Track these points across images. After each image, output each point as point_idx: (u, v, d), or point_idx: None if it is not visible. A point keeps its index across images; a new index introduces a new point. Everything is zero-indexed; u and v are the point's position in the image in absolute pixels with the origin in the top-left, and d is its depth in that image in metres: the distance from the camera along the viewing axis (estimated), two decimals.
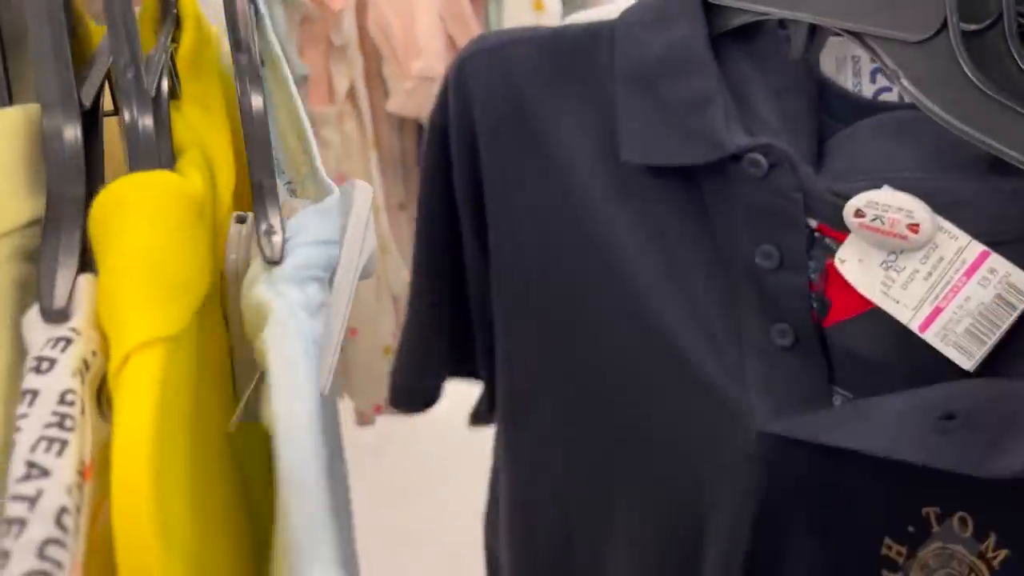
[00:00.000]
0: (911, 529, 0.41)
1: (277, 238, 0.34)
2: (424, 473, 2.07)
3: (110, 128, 0.37)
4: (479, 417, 0.66)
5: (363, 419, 1.20)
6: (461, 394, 2.19)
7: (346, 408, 1.25)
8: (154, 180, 0.31)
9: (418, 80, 1.01)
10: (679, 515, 0.46)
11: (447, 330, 0.59)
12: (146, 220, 0.29)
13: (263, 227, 0.34)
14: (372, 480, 2.00)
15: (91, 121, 0.34)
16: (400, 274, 1.08)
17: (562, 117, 0.48)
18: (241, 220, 0.38)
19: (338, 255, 0.35)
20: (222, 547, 0.33)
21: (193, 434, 0.32)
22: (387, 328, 1.09)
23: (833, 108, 0.44)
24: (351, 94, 1.05)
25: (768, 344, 0.42)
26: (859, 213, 0.39)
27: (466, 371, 0.63)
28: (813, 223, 0.41)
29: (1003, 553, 0.38)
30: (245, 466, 0.40)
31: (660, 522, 0.48)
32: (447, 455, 2.15)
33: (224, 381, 0.38)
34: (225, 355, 0.38)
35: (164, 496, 0.26)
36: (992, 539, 0.39)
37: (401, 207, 1.12)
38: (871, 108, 0.43)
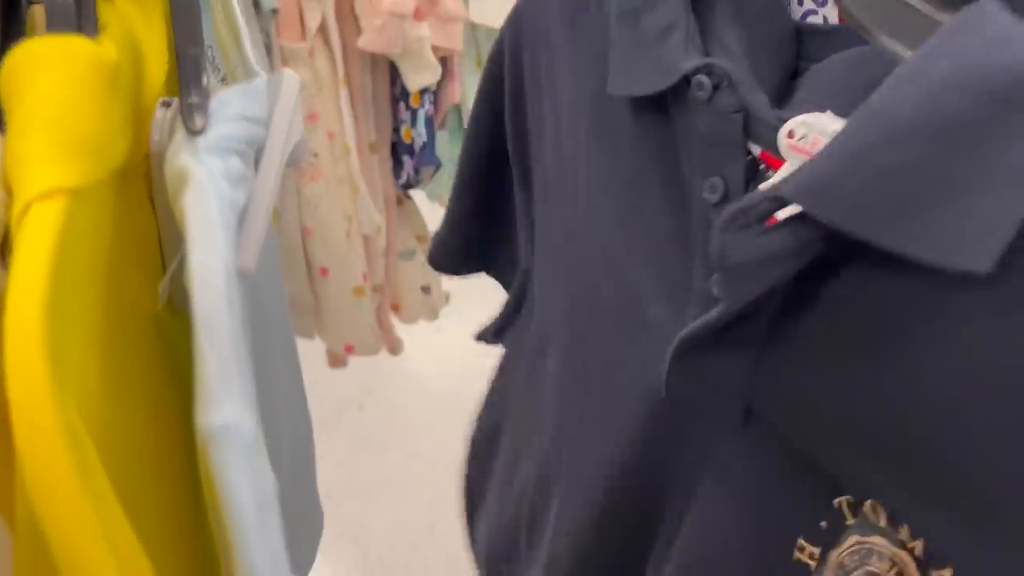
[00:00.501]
0: (824, 525, 0.38)
1: (201, 110, 0.34)
2: (404, 426, 2.09)
3: None
4: (488, 335, 0.64)
5: (335, 360, 1.20)
6: (438, 347, 2.22)
7: (319, 350, 1.26)
8: (64, 42, 0.31)
9: (388, 16, 1.00)
10: (611, 462, 0.46)
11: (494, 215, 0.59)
12: (52, 78, 0.29)
13: (187, 99, 0.34)
14: (352, 432, 2.02)
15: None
16: (371, 215, 1.08)
17: (572, 55, 0.48)
18: (167, 104, 0.38)
19: (263, 135, 0.35)
20: (142, 412, 0.34)
21: (107, 299, 0.32)
22: (358, 268, 1.09)
23: (812, 50, 0.43)
24: (323, 30, 1.04)
25: (707, 292, 0.40)
26: (791, 134, 0.37)
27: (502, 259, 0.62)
28: (756, 150, 0.40)
29: (922, 543, 0.35)
30: (182, 356, 0.40)
31: (597, 469, 0.47)
32: (426, 409, 2.17)
33: (152, 264, 0.39)
34: (153, 238, 0.38)
35: (61, 340, 0.26)
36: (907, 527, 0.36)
37: (372, 149, 1.11)
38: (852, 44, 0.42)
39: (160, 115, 0.37)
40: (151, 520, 0.32)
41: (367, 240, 1.11)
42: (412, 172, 1.11)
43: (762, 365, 0.39)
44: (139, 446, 0.34)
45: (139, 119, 0.37)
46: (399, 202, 1.18)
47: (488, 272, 0.64)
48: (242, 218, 0.34)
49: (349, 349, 1.14)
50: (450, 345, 2.28)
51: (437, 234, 0.64)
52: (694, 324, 0.38)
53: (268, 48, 1.02)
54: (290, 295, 1.09)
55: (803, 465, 0.37)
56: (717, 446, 0.40)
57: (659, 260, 0.43)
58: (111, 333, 0.32)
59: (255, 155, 0.36)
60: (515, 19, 0.52)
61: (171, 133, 0.37)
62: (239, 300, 0.31)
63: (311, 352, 1.44)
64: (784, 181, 0.34)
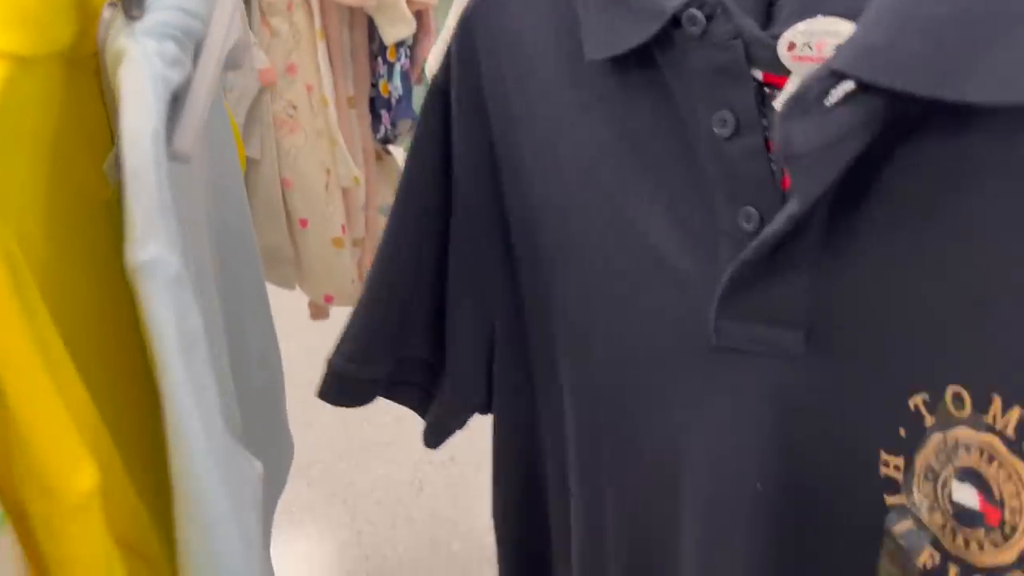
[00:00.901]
0: (903, 432, 0.36)
1: (140, 1, 0.36)
2: None
3: None
4: (435, 433, 0.62)
5: (317, 312, 1.23)
6: None
7: (301, 303, 1.29)
8: None
9: None
10: (658, 426, 0.45)
11: (423, 304, 0.56)
12: None
13: None
14: None
15: None
16: (349, 167, 1.10)
17: (544, 38, 0.47)
18: (113, 5, 0.40)
19: (200, 28, 0.38)
20: (86, 288, 0.37)
21: (53, 176, 0.35)
22: (336, 220, 1.12)
23: None
24: None
25: (737, 230, 0.38)
26: (791, 46, 0.36)
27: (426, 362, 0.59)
28: (758, 74, 0.38)
29: (1016, 413, 0.33)
30: None
31: (641, 434, 0.46)
32: None
33: (103, 157, 0.41)
34: (105, 133, 0.41)
35: None
36: (998, 401, 0.33)
37: (350, 103, 1.14)
38: None
39: (107, 14, 0.40)
40: (96, 378, 0.35)
41: (346, 193, 1.14)
42: (389, 126, 1.14)
43: (821, 279, 0.37)
44: (84, 317, 0.37)
45: (87, 17, 0.39)
46: (378, 157, 1.21)
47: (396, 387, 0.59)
48: (180, 102, 0.37)
49: (329, 299, 1.17)
50: None
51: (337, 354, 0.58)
52: (745, 253, 0.37)
53: (247, 1, 1.05)
54: (271, 246, 1.12)
55: (870, 374, 0.36)
56: (778, 381, 0.39)
57: (678, 214, 0.42)
58: (57, 207, 0.35)
59: (194, 49, 0.39)
60: (465, 30, 0.50)
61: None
62: (167, 165, 0.34)
63: (301, 322, 1.47)
64: (835, 57, 0.33)
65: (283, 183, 1.10)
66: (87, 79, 0.40)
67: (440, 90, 0.51)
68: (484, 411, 0.60)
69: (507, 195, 0.50)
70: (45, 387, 0.28)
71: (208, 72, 0.38)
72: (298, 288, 1.20)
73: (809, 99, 0.33)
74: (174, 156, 0.36)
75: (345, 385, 0.59)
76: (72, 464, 0.28)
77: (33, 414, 0.27)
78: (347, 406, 0.60)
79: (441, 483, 1.87)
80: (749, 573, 0.41)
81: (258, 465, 0.38)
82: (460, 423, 0.61)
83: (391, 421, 2.01)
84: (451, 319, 0.55)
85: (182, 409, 0.31)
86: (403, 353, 0.58)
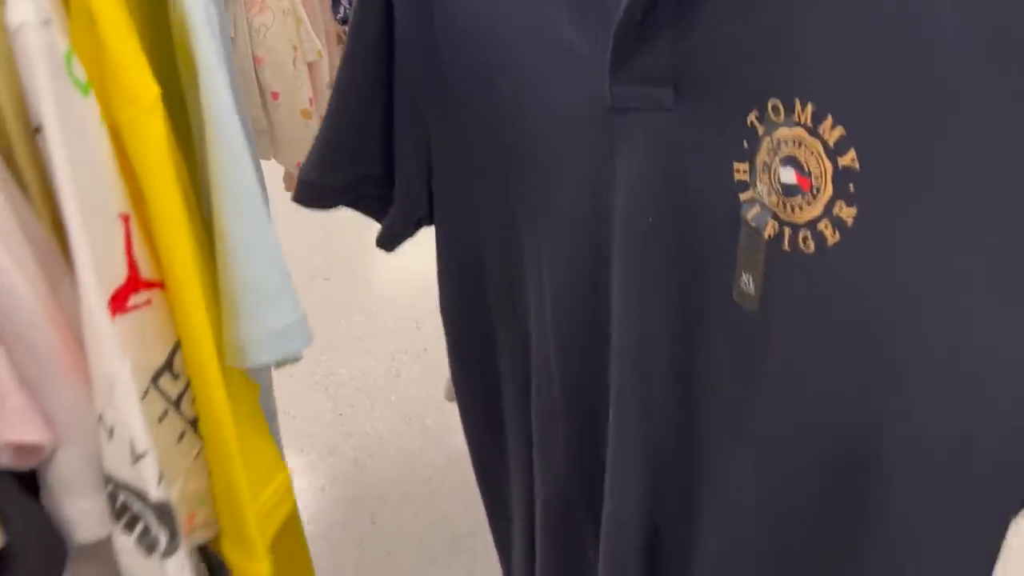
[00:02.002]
0: (746, 144, 0.45)
1: None
2: (367, 292, 2.26)
3: None
4: (387, 239, 0.72)
5: (291, 183, 1.36)
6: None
7: (276, 176, 1.42)
8: None
9: None
10: (575, 183, 0.55)
11: (375, 121, 0.65)
12: None
13: None
14: (320, 298, 2.19)
15: None
16: (313, 42, 1.23)
17: None
18: None
19: None
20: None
21: None
22: (304, 93, 1.25)
23: None
24: None
25: (616, 12, 0.45)
26: None
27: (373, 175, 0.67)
28: None
29: (810, 108, 0.41)
30: None
31: (562, 194, 0.56)
32: (387, 278, 2.34)
33: None
34: None
35: None
36: (799, 104, 0.42)
37: None
38: None
39: None
40: None
41: (312, 68, 1.26)
42: (347, 5, 1.26)
43: (679, 40, 0.46)
44: None
45: None
46: (339, 40, 1.34)
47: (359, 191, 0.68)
48: None
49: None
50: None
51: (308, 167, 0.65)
52: (616, 25, 0.46)
53: None
54: (249, 118, 1.24)
55: (721, 109, 0.45)
56: (659, 128, 0.48)
57: (579, 10, 0.50)
58: None
59: None
60: None
61: None
62: None
63: (276, 194, 1.59)
64: None
65: (255, 60, 1.22)
66: None
67: None
68: (428, 222, 0.70)
69: (436, 19, 0.60)
70: (120, 20, 0.42)
71: None
72: (273, 160, 1.34)
73: None
74: None
75: (311, 191, 0.68)
76: (143, 80, 0.42)
77: (117, 44, 0.41)
78: (314, 208, 0.70)
79: (416, 371, 2.01)
80: (656, 284, 0.54)
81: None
82: (409, 232, 0.72)
83: (365, 319, 2.15)
84: (397, 140, 0.65)
85: (211, 67, 0.45)
86: (362, 170, 0.67)
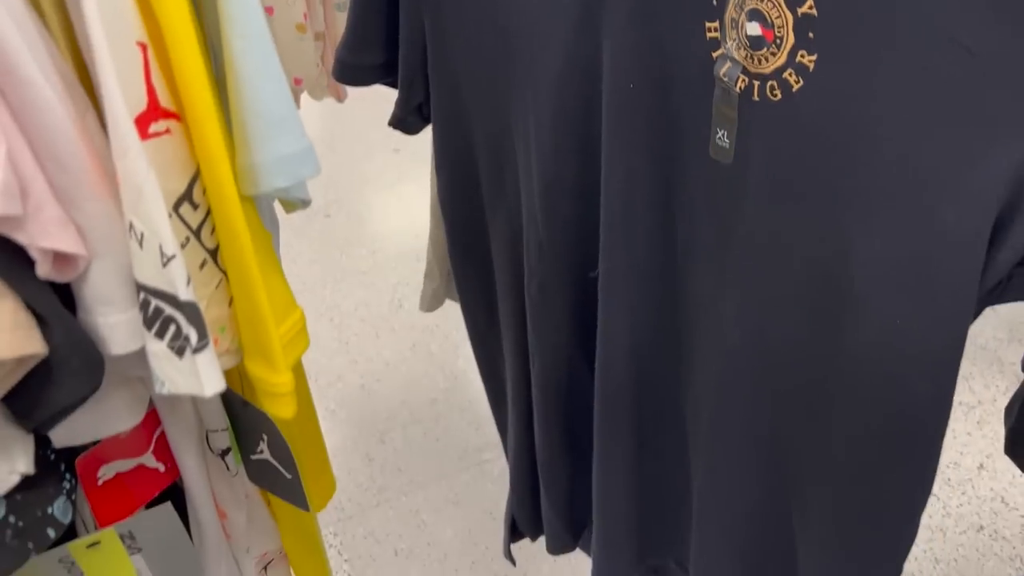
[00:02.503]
0: (715, 3, 0.48)
1: None
2: (367, 227, 2.30)
3: None
4: (394, 121, 0.76)
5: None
6: (395, 166, 2.43)
7: None
8: None
9: None
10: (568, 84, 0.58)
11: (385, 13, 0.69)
12: None
13: None
14: (321, 235, 2.23)
15: None
16: None
17: None
18: None
19: None
20: None
21: None
22: (298, 8, 1.26)
23: None
24: None
25: None
26: None
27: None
28: None
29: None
30: None
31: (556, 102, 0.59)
32: (385, 213, 2.37)
33: None
34: None
35: None
36: None
37: None
38: None
39: None
40: None
41: None
42: None
43: None
44: None
45: None
46: None
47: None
48: None
49: (299, 82, 1.33)
50: (406, 163, 2.47)
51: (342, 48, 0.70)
52: None
53: None
54: None
55: None
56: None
57: None
58: None
59: None
60: None
61: None
62: None
63: None
64: None
65: None
66: None
67: None
68: (425, 109, 0.73)
69: None
70: None
71: None
72: None
73: None
74: None
75: (346, 69, 0.73)
76: None
77: None
78: (353, 84, 0.74)
79: (419, 301, 2.05)
80: (639, 146, 0.56)
81: None
82: (414, 119, 0.75)
83: (366, 253, 2.19)
84: (401, 26, 0.68)
85: None
86: (381, 54, 0.71)
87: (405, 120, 0.76)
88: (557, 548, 0.86)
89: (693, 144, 0.55)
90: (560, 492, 0.81)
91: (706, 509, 0.67)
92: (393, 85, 0.74)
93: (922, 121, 0.45)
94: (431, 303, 1.04)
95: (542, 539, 0.89)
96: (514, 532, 0.92)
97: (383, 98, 0.75)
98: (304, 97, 1.41)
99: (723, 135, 0.53)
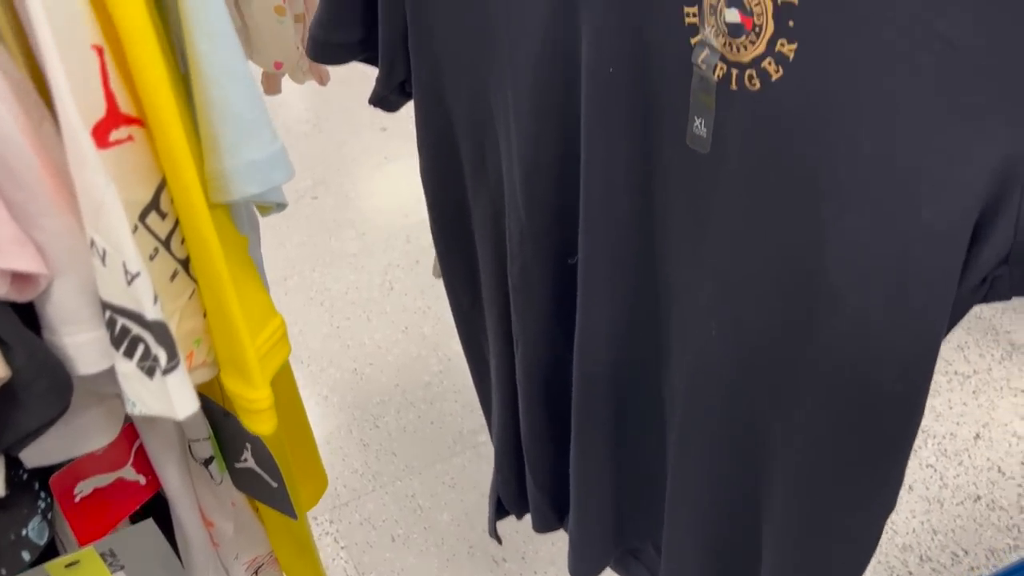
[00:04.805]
0: None
1: None
2: (354, 209, 2.27)
3: None
4: (375, 98, 0.75)
5: (270, 86, 1.35)
6: (381, 145, 2.39)
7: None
8: None
9: None
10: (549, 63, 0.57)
11: None
12: None
13: None
14: (309, 217, 2.20)
15: None
16: None
17: None
18: None
19: None
20: None
21: None
22: None
23: None
24: None
25: None
26: None
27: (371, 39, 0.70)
28: None
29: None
30: None
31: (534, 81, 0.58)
32: (374, 193, 2.34)
33: None
34: None
35: None
36: None
37: None
38: None
39: None
40: None
41: None
42: None
43: None
44: None
45: None
46: None
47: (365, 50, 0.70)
48: None
49: (279, 65, 1.30)
50: (394, 142, 2.44)
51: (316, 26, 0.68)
52: None
53: None
54: None
55: None
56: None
57: None
58: None
59: None
60: None
61: None
62: None
63: None
64: None
65: None
66: None
67: None
68: (408, 86, 0.72)
69: None
70: None
71: None
72: (252, 64, 1.32)
73: None
74: None
75: (321, 47, 0.71)
76: None
77: None
78: (329, 63, 0.72)
79: (410, 283, 2.03)
80: (618, 133, 0.55)
81: None
82: (395, 97, 0.73)
83: (355, 235, 2.16)
84: (380, 7, 0.67)
85: None
86: (357, 32, 0.69)
87: (386, 98, 0.74)
88: (543, 526, 0.86)
89: (671, 132, 0.54)
90: (545, 472, 0.81)
91: (676, 494, 0.67)
92: (370, 62, 0.72)
93: (903, 114, 0.43)
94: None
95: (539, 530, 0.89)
96: (499, 510, 0.92)
97: (369, 77, 0.73)
98: (286, 80, 1.38)
99: (700, 123, 0.52)
